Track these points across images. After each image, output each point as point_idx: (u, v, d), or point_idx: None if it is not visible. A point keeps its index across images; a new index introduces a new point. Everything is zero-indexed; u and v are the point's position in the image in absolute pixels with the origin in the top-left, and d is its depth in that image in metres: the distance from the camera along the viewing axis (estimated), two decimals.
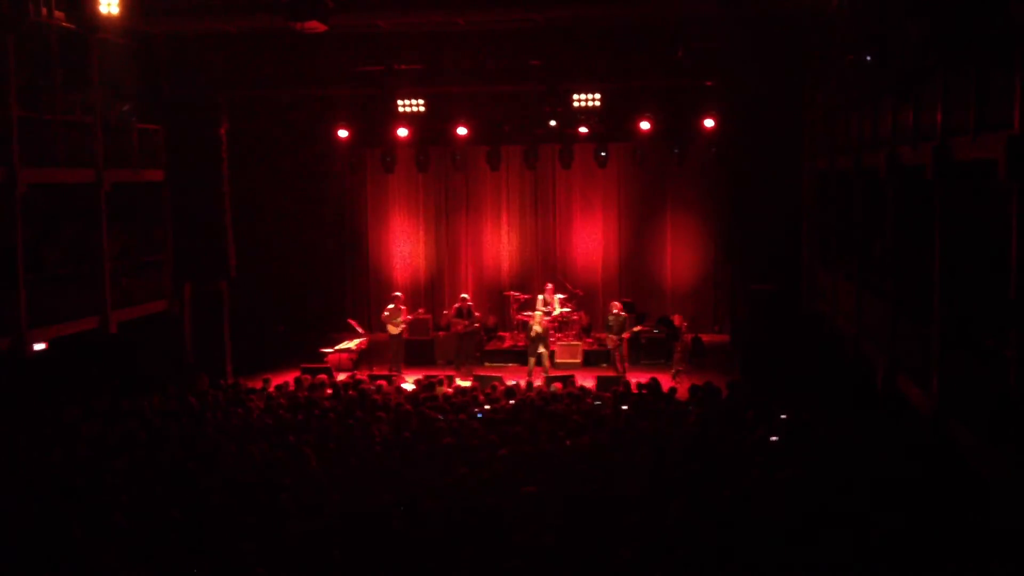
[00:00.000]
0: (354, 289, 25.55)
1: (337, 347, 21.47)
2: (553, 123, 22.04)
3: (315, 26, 15.99)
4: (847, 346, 16.34)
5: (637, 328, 21.17)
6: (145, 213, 20.35)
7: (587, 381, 18.21)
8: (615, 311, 20.37)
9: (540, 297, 22.03)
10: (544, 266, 24.65)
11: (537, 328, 19.82)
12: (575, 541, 9.19)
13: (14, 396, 15.49)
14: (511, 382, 17.22)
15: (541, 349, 19.82)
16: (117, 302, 18.31)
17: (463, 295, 22.05)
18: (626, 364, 20.16)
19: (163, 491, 11.12)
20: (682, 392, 16.81)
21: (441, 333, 22.44)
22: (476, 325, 21.37)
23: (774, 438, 12.89)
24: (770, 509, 9.84)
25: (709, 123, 21.53)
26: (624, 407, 14.89)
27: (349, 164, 24.61)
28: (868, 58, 15.47)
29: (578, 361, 21.36)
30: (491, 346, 22.72)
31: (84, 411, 15.29)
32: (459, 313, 21.16)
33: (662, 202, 24.51)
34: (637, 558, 8.71)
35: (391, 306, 20.96)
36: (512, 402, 15.42)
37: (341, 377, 18.99)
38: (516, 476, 11.14)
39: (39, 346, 16.04)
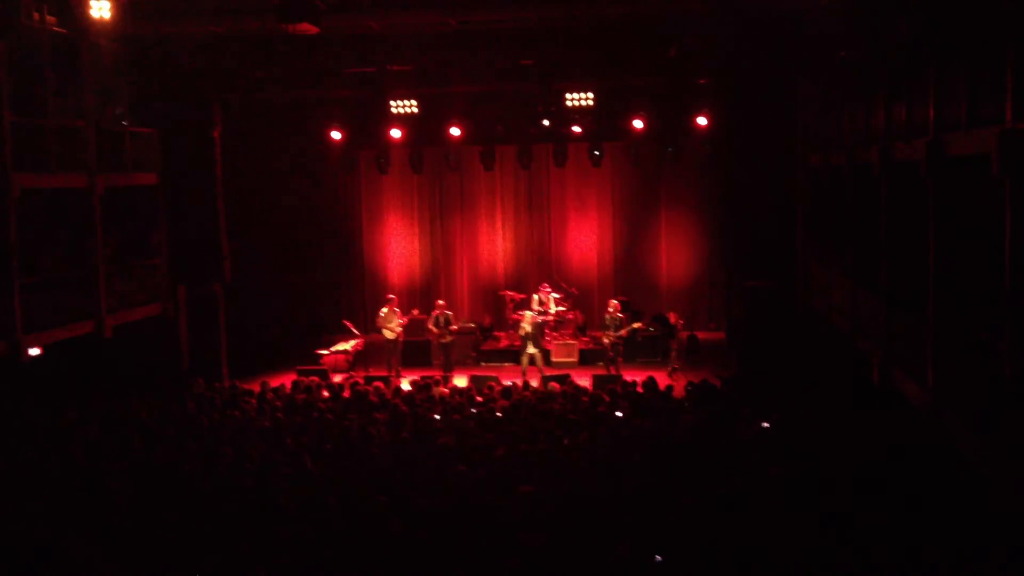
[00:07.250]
0: (349, 290, 25.53)
1: (333, 348, 21.42)
2: (546, 123, 22.02)
3: (307, 28, 15.97)
4: (843, 342, 16.35)
5: (635, 325, 21.10)
6: (139, 217, 20.33)
7: (584, 380, 18.19)
8: (611, 309, 20.34)
9: (535, 296, 21.99)
10: (539, 265, 24.67)
11: (526, 327, 19.75)
12: (572, 540, 9.18)
13: (10, 401, 15.47)
14: (507, 382, 17.20)
15: (532, 348, 19.71)
16: (112, 306, 18.27)
17: (440, 302, 21.37)
18: (619, 361, 19.99)
19: (160, 495, 11.10)
20: (678, 390, 16.82)
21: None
22: (453, 329, 20.61)
23: (765, 424, 12.94)
24: (766, 505, 9.84)
25: (702, 121, 21.56)
26: (621, 405, 14.88)
27: (343, 165, 24.59)
28: (859, 54, 15.49)
29: (574, 360, 21.37)
30: (487, 346, 22.71)
31: (80, 416, 15.27)
32: (435, 322, 20.58)
33: (656, 200, 24.54)
34: (634, 556, 8.71)
35: (384, 310, 20.82)
36: (509, 402, 15.41)
37: (337, 379, 18.98)
38: (513, 475, 11.13)
39: (34, 351, 15.99)
